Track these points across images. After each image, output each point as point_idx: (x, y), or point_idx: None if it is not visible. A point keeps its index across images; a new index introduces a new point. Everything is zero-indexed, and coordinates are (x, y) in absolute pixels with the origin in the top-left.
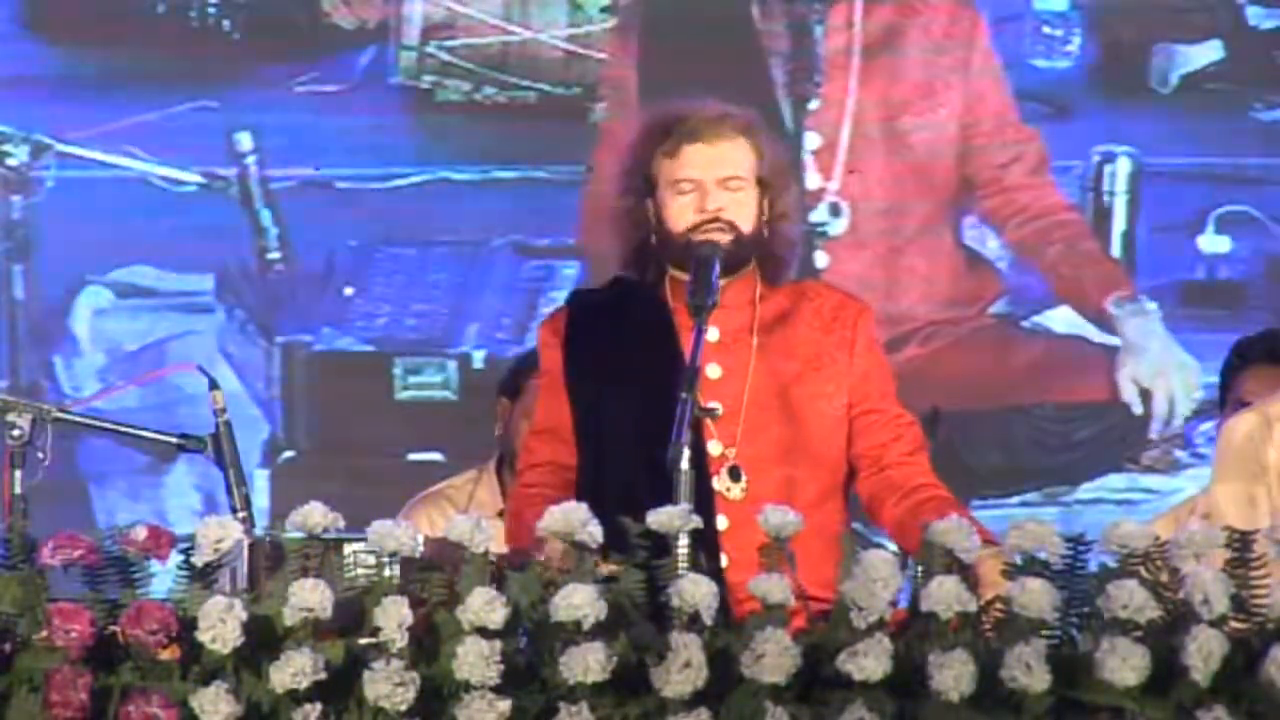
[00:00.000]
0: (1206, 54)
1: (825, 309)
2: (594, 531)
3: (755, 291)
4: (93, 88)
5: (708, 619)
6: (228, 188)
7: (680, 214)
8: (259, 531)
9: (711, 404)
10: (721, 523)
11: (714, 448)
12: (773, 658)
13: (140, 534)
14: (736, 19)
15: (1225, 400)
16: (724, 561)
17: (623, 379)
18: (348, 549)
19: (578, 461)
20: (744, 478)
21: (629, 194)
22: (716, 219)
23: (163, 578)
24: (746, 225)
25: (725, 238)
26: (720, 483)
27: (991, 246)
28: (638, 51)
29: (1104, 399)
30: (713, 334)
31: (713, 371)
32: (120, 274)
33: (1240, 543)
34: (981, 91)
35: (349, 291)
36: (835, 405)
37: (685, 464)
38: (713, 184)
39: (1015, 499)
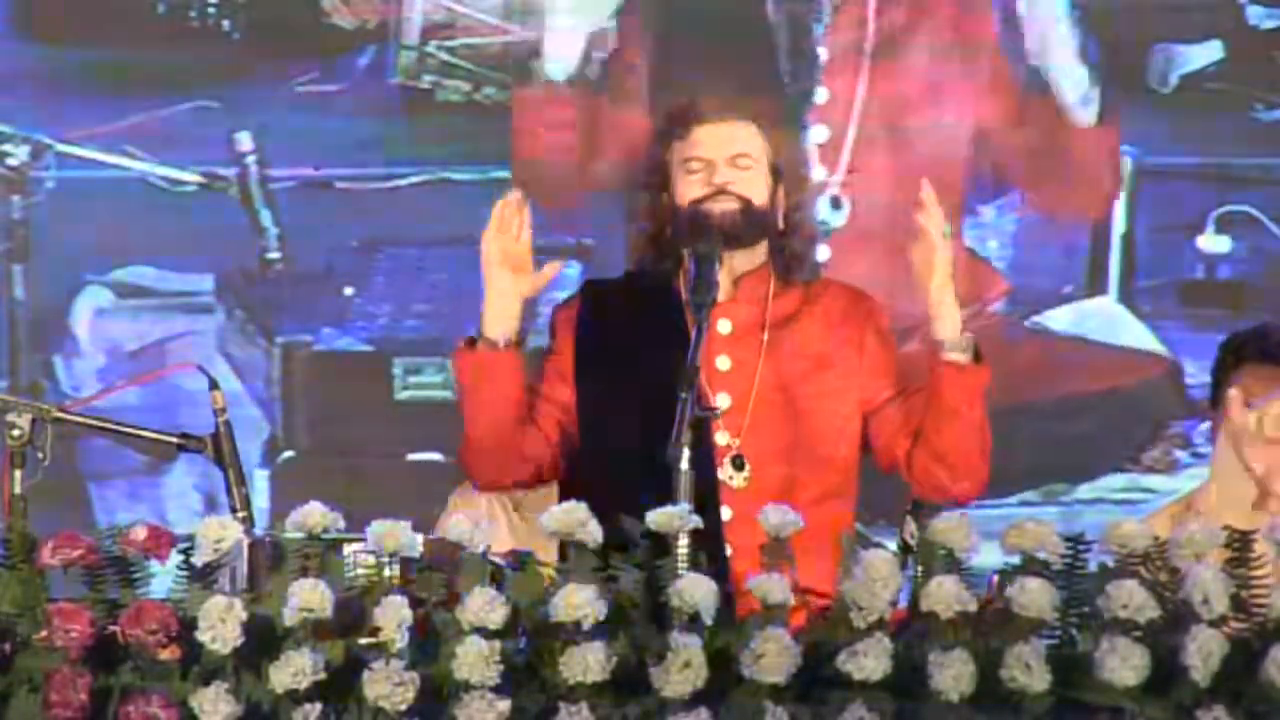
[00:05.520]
0: (1206, 54)
1: (835, 308)
2: (594, 531)
3: (769, 288)
4: (93, 88)
5: (708, 619)
6: (228, 188)
7: (689, 189)
8: (259, 531)
9: (716, 401)
10: (725, 514)
11: (720, 438)
12: (773, 657)
13: (140, 534)
14: (750, 11)
15: (1218, 400)
16: (728, 551)
17: (630, 373)
18: (348, 549)
19: (579, 458)
20: (747, 466)
21: (645, 188)
22: (725, 190)
23: (163, 578)
24: (757, 200)
25: (734, 207)
26: (724, 472)
27: (991, 246)
28: (649, 42)
29: (1104, 399)
30: (725, 326)
31: (723, 363)
32: (120, 274)
33: (1240, 543)
34: (990, 91)
35: (349, 291)
36: (844, 405)
37: (685, 464)
38: (722, 162)
39: (1015, 499)
